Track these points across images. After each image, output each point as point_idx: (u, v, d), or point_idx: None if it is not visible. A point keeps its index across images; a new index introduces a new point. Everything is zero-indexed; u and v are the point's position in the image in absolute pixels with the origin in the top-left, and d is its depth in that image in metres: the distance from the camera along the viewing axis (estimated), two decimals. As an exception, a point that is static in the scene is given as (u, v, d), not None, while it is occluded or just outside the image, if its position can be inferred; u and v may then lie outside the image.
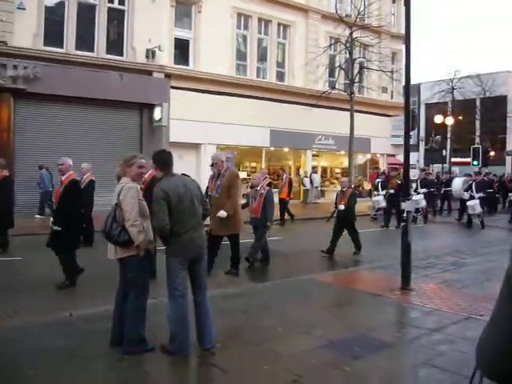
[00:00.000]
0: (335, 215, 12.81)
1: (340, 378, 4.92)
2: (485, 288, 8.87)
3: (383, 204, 19.90)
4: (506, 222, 20.95)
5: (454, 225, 20.69)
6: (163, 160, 5.45)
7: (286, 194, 19.33)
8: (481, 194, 19.40)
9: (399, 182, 18.98)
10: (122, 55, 20.18)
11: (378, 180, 21.53)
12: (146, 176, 9.47)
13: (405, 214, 8.44)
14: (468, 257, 12.13)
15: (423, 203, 19.80)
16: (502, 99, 47.89)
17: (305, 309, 7.24)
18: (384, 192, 19.87)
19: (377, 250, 13.63)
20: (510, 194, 24.09)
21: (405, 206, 8.50)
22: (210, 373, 4.94)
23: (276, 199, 12.52)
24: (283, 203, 19.01)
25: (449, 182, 24.46)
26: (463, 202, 20.39)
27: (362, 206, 23.59)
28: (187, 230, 5.22)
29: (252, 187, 11.54)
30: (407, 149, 8.47)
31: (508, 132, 50.33)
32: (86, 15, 19.48)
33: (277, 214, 15.56)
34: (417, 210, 19.40)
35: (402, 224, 8.52)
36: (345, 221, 12.43)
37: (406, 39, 8.18)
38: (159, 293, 6.08)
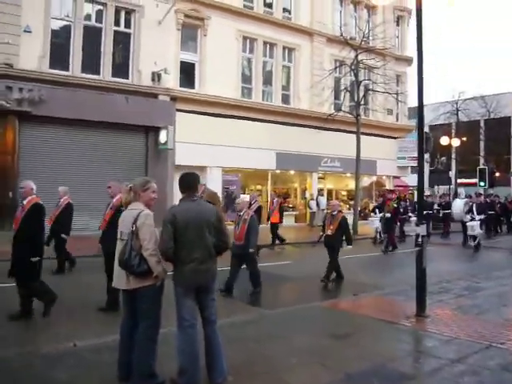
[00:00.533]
0: (322, 239, 12.32)
1: (360, 414, 4.64)
2: (502, 314, 8.61)
3: (377, 225, 19.86)
4: (510, 243, 20.62)
5: (455, 247, 20.21)
6: (184, 182, 5.26)
7: (278, 217, 18.80)
8: (481, 216, 19.26)
9: (395, 205, 18.99)
10: (127, 78, 20.13)
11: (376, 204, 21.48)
12: (114, 200, 9.23)
13: (419, 239, 8.18)
14: (481, 281, 11.84)
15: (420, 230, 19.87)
16: (506, 120, 47.93)
17: (316, 337, 6.95)
18: (381, 215, 19.43)
19: (385, 275, 13.34)
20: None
21: (419, 230, 8.24)
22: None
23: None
24: (274, 228, 18.63)
25: (448, 204, 24.27)
26: (465, 224, 20.01)
27: (367, 228, 23.25)
28: (192, 259, 4.98)
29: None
30: (421, 170, 8.24)
31: (512, 153, 50.25)
32: (92, 38, 19.48)
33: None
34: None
35: (417, 249, 8.23)
36: (331, 247, 11.95)
37: (419, 59, 8.00)
38: (168, 322, 5.80)
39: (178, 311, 5.05)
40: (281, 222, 19.27)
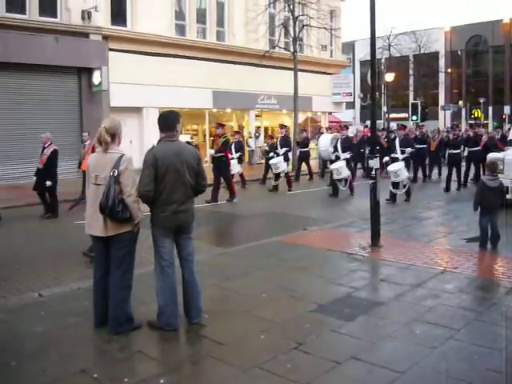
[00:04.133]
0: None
1: (339, 340, 4.81)
2: (450, 241, 9.05)
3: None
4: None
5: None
6: (162, 121, 5.06)
7: None
8: (347, 155, 15.66)
9: (224, 141, 14.94)
10: (56, 17, 18.96)
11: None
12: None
13: (373, 172, 8.38)
14: (423, 210, 12.36)
15: (283, 167, 17.21)
16: (435, 55, 49.14)
17: (281, 271, 7.13)
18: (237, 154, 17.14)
19: (327, 210, 13.63)
20: (385, 158, 15.39)
21: (372, 163, 8.44)
22: (207, 347, 4.68)
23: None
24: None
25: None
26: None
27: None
28: (173, 201, 4.89)
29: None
30: (374, 105, 8.35)
31: (440, 87, 51.83)
32: (16, -25, 18.13)
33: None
34: (277, 176, 17.18)
35: (371, 181, 8.43)
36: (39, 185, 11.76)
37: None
38: (143, 263, 5.75)
39: (157, 252, 5.00)
40: None
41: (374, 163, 8.36)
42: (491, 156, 12.96)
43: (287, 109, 27.30)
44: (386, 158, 14.94)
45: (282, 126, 19.18)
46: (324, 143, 18.82)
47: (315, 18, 25.39)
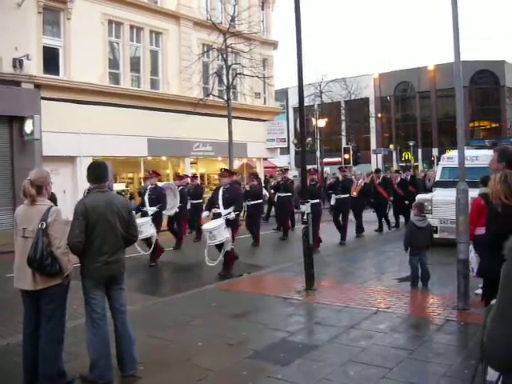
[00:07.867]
0: None
1: (275, 386, 4.83)
2: (383, 281, 9.26)
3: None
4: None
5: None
6: (91, 173, 5.06)
7: None
8: (154, 209, 12.38)
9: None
10: (-15, 65, 18.71)
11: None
12: None
13: (305, 217, 8.55)
14: (356, 253, 12.64)
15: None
16: (366, 101, 51.19)
17: (218, 319, 7.09)
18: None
19: (263, 255, 13.65)
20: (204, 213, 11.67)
21: (304, 208, 8.62)
22: (142, 399, 4.63)
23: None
24: None
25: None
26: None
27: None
28: (104, 252, 4.86)
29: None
30: (303, 151, 8.59)
31: (371, 132, 53.81)
32: None
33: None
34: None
35: (303, 226, 8.60)
36: None
37: (298, 43, 8.29)
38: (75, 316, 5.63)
39: (88, 304, 4.92)
40: None
41: (306, 208, 8.55)
42: (420, 197, 13.49)
43: (222, 156, 27.55)
44: (205, 214, 11.41)
45: (153, 173, 13.69)
46: None
47: (248, 66, 25.98)
